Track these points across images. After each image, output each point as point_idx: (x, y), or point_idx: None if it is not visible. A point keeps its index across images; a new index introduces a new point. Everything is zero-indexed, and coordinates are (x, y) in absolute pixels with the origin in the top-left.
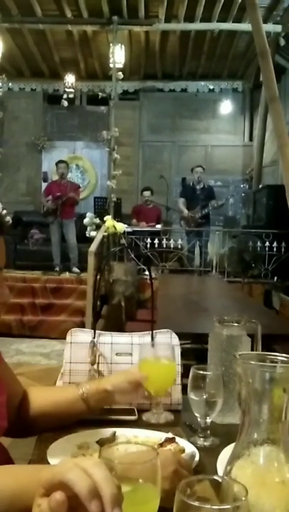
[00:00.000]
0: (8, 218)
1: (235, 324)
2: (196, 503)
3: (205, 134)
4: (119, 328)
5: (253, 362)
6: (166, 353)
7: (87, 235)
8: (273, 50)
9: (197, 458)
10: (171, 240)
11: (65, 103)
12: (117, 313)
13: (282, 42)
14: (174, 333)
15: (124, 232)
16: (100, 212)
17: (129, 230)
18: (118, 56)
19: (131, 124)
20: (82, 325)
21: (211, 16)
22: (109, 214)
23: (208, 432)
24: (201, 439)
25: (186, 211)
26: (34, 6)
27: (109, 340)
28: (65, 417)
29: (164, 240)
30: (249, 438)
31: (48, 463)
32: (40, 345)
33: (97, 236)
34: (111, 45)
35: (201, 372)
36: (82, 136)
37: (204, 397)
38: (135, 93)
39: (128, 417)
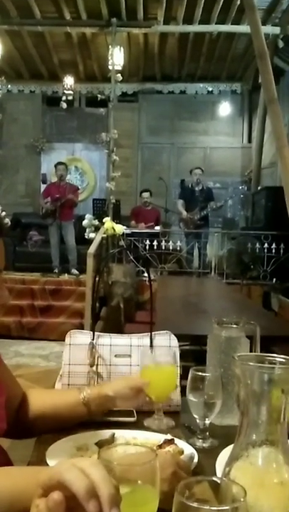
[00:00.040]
0: (7, 220)
1: (234, 326)
2: (195, 505)
3: (204, 136)
4: (118, 329)
5: (251, 363)
6: (167, 359)
7: (86, 237)
8: (272, 52)
9: (196, 459)
10: (170, 242)
11: (64, 105)
12: (116, 315)
13: (280, 44)
14: (172, 335)
15: (123, 233)
16: (99, 213)
17: (128, 231)
18: (117, 58)
19: (130, 126)
20: (81, 327)
21: (209, 18)
22: (108, 216)
23: (207, 433)
24: (200, 440)
25: (184, 213)
26: (33, 8)
27: (108, 342)
28: (65, 420)
29: (163, 241)
30: (248, 439)
31: (47, 465)
32: (39, 347)
33: (96, 238)
34: (110, 47)
35: (200, 373)
36: (81, 138)
37: (203, 398)
38: (134, 95)
39: (127, 418)
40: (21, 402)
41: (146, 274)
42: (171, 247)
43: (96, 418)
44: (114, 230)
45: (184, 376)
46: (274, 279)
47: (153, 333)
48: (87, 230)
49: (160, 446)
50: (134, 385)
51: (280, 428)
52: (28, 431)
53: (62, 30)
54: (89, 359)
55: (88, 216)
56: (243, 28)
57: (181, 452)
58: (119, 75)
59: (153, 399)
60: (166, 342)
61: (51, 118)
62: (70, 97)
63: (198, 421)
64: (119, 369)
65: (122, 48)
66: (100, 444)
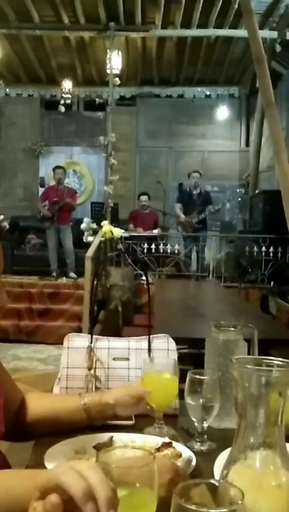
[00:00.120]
0: (5, 223)
1: (232, 329)
2: (193, 507)
3: (201, 140)
4: (116, 333)
5: (249, 366)
6: (168, 368)
7: (84, 240)
8: (269, 56)
9: (194, 462)
10: (168, 245)
11: (62, 109)
12: (114, 318)
13: (278, 48)
14: (170, 338)
15: (121, 237)
16: (97, 217)
17: (126, 235)
18: (115, 62)
19: (128, 130)
20: (79, 330)
21: (207, 22)
22: (106, 219)
23: (205, 436)
24: (198, 443)
25: (182, 216)
26: (31, 12)
27: (106, 345)
28: (64, 425)
29: (161, 245)
30: (245, 442)
31: (45, 467)
32: (37, 350)
33: (94, 241)
34: (108, 51)
35: (198, 376)
36: (79, 142)
37: (201, 401)
38: (132, 99)
39: (125, 422)
40: (20, 406)
41: (144, 278)
42: (169, 251)
43: (95, 424)
44: (112, 233)
45: (181, 379)
46: (272, 283)
47: (151, 336)
48: (86, 234)
49: (158, 449)
50: (135, 393)
51: (277, 431)
52: (27, 434)
53: (60, 34)
54: (87, 362)
55: (86, 219)
56: (241, 33)
57: (179, 455)
58: (117, 78)
59: (154, 407)
60: (165, 345)
61: (49, 122)
62: (68, 101)
63: (196, 424)
64: (118, 372)
65: (120, 52)
66: (98, 447)
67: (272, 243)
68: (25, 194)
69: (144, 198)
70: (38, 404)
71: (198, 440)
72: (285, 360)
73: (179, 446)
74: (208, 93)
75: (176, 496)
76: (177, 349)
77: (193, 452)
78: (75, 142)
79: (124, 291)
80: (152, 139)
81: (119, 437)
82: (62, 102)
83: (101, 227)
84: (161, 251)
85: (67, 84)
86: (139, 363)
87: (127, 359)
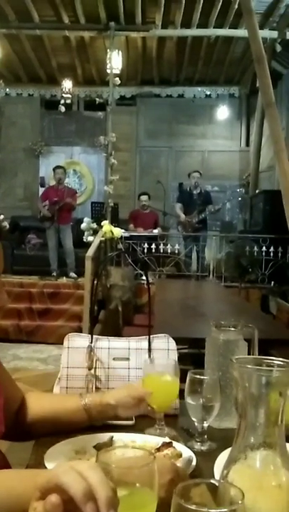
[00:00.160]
0: (6, 223)
1: (232, 329)
2: (193, 507)
3: (202, 140)
4: (117, 333)
5: (249, 366)
6: (168, 369)
7: (85, 240)
8: (270, 56)
9: (194, 462)
10: (169, 245)
11: (63, 108)
12: (114, 318)
13: (278, 48)
14: (171, 338)
15: (122, 237)
16: (97, 217)
17: (127, 234)
18: (115, 62)
19: (128, 130)
20: (79, 330)
21: (207, 22)
22: (106, 219)
23: (206, 436)
24: (198, 443)
25: (183, 216)
26: (31, 12)
27: (106, 345)
28: (65, 425)
29: (161, 244)
30: (246, 442)
31: (46, 467)
32: (38, 350)
33: (95, 241)
34: (108, 50)
35: (198, 376)
36: (79, 142)
37: (201, 401)
38: (132, 98)
39: (125, 422)
40: (20, 405)
41: (144, 277)
42: (169, 251)
43: (96, 424)
44: (112, 233)
45: (182, 379)
46: (272, 282)
47: (151, 336)
48: (86, 234)
49: (158, 449)
50: (136, 394)
51: (277, 431)
52: (27, 434)
53: (60, 33)
54: (87, 362)
55: (86, 219)
56: (241, 32)
57: (180, 455)
58: (117, 78)
59: (155, 408)
60: (165, 345)
61: (50, 121)
62: (68, 101)
63: (196, 424)
64: (118, 372)
65: (120, 52)
66: (99, 447)
67: (272, 243)
68: (25, 194)
69: (144, 197)
70: (39, 404)
71: (199, 440)
72: (285, 360)
73: (179, 446)
74: (208, 93)
75: (176, 495)
76: (177, 349)
77: (194, 452)
78: (75, 142)
79: (124, 291)
80: (152, 139)
81: (119, 437)
82: (62, 101)
83: (101, 227)
84: (162, 251)
85: (67, 84)
86: (140, 363)
87: (127, 359)
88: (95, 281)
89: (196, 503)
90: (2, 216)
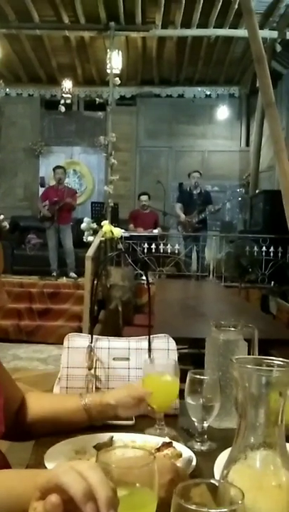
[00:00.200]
0: (6, 223)
1: (232, 329)
2: (193, 507)
3: (202, 140)
4: (117, 333)
5: (249, 366)
6: (168, 370)
7: (85, 240)
8: (269, 56)
9: (194, 462)
10: (169, 245)
11: (63, 108)
12: (114, 318)
13: (278, 48)
14: (171, 338)
15: (122, 237)
16: (97, 217)
17: (127, 234)
18: (115, 62)
19: (128, 130)
20: (79, 330)
21: (207, 22)
22: (106, 219)
23: (206, 436)
24: (198, 443)
25: (183, 216)
26: (31, 12)
27: (106, 345)
28: (65, 425)
29: (161, 244)
30: (246, 442)
31: (46, 467)
32: (38, 350)
33: (95, 241)
34: (108, 50)
35: (198, 376)
36: (79, 142)
37: (201, 401)
38: (132, 98)
39: (125, 421)
40: (20, 405)
41: (144, 277)
42: (169, 251)
43: (96, 424)
44: (112, 233)
45: (182, 379)
46: (272, 282)
47: (151, 336)
48: (86, 234)
49: (158, 449)
50: (136, 394)
51: (277, 431)
52: (27, 434)
53: (60, 33)
54: (87, 362)
55: (86, 219)
56: (241, 32)
57: (179, 455)
58: (117, 78)
59: (155, 408)
60: (165, 345)
61: (50, 121)
62: (68, 101)
63: (196, 424)
64: (118, 372)
65: (120, 52)
66: (99, 447)
67: (272, 243)
68: (25, 194)
69: (144, 197)
70: (39, 404)
71: (199, 440)
72: (285, 360)
73: (179, 446)
74: (208, 93)
75: (176, 495)
76: (177, 349)
77: (194, 452)
78: (75, 142)
79: (124, 291)
80: (152, 139)
81: (119, 437)
82: (62, 101)
83: (101, 227)
84: (162, 251)
85: (67, 84)
86: (140, 363)
87: (127, 359)
88: (95, 281)
89: (196, 503)
90: (2, 216)
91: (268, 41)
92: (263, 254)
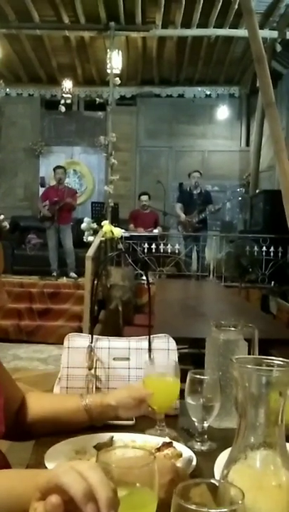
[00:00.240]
0: (6, 223)
1: (232, 329)
2: (193, 507)
3: (202, 140)
4: (117, 332)
5: (249, 366)
6: (169, 370)
7: (85, 240)
8: (270, 56)
9: (194, 462)
10: (169, 245)
11: (63, 108)
12: (114, 318)
13: (278, 48)
14: (171, 338)
15: (122, 237)
16: (98, 217)
17: (127, 234)
18: (115, 62)
19: (128, 130)
20: (79, 330)
21: (207, 22)
22: (106, 219)
23: (206, 436)
24: (199, 443)
25: (183, 216)
26: (31, 12)
27: (106, 345)
28: (65, 425)
29: (162, 244)
30: (246, 442)
31: (46, 467)
32: (38, 350)
33: (95, 241)
34: (108, 50)
35: (198, 376)
36: (79, 142)
37: (201, 401)
38: (132, 98)
39: (126, 422)
40: (21, 405)
41: (144, 277)
42: (169, 250)
43: (96, 424)
44: (112, 233)
45: (182, 379)
46: (272, 282)
47: (151, 336)
48: (86, 234)
49: (158, 449)
50: (137, 395)
51: (277, 430)
52: (27, 434)
53: (60, 33)
54: (87, 362)
55: (87, 219)
56: (241, 32)
57: (180, 455)
58: (117, 78)
59: (155, 409)
60: (165, 345)
61: (50, 121)
62: (68, 101)
63: (196, 424)
64: (118, 372)
65: (120, 52)
66: (99, 447)
67: (272, 243)
68: (25, 194)
69: (144, 197)
70: (39, 404)
71: (199, 440)
72: (285, 360)
73: (179, 446)
74: (208, 93)
75: (177, 495)
76: (177, 349)
77: (194, 452)
78: (76, 142)
79: (124, 291)
80: (152, 139)
81: (119, 437)
82: (62, 101)
83: (101, 227)
84: (162, 251)
85: (67, 84)
86: (140, 363)
87: (128, 359)
88: (95, 281)
89: (196, 503)
90: (2, 216)
91: (268, 41)
92: (263, 254)
